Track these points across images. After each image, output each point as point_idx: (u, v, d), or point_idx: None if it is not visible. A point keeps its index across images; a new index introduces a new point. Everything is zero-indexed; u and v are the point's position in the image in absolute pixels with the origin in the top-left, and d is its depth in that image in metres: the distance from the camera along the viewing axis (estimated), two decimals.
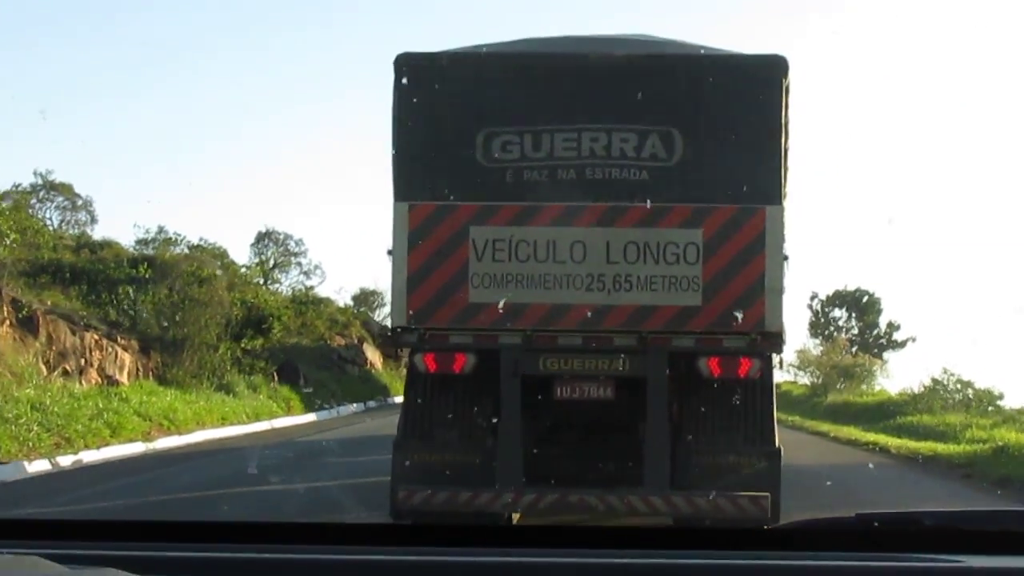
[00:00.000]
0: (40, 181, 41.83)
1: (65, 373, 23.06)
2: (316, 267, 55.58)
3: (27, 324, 22.42)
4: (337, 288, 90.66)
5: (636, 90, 9.84)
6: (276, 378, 33.29)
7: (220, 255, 37.71)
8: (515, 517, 10.00)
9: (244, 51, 78.64)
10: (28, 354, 21.95)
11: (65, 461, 17.21)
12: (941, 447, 22.44)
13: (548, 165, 9.73)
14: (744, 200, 9.70)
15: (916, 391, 35.76)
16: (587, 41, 10.54)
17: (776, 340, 9.91)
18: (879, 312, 68.37)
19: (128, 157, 69.94)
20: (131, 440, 20.40)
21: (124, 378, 25.62)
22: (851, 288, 68.21)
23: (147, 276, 29.55)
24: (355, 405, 37.08)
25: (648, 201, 9.68)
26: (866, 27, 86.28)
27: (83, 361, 24.17)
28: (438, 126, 9.96)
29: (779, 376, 10.68)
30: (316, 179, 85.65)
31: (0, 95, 58.79)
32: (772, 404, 10.11)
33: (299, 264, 55.29)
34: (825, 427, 31.71)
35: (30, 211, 35.39)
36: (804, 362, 50.83)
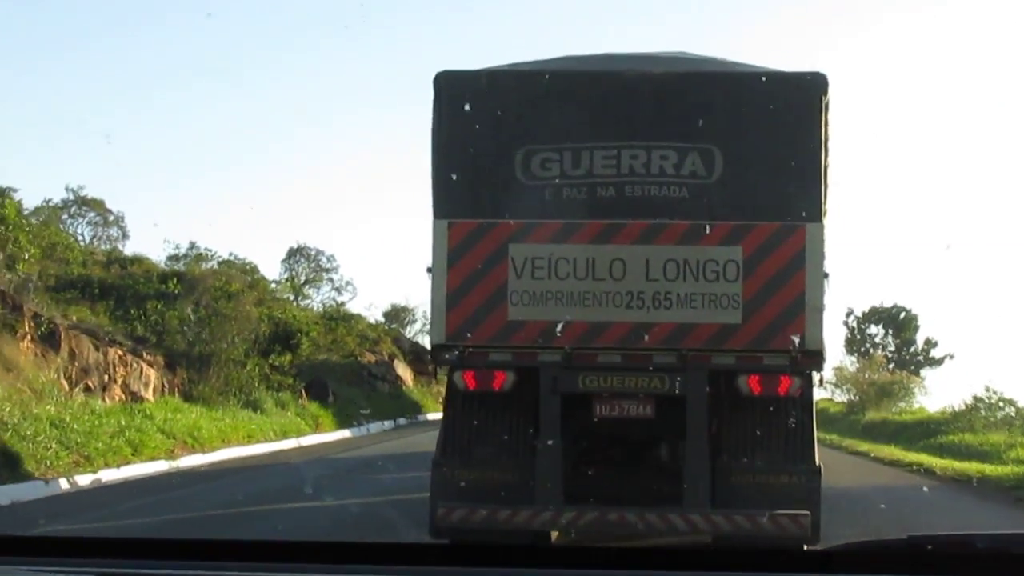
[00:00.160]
0: (72, 196, 42.42)
1: (87, 389, 22.87)
2: (347, 283, 56.21)
3: (49, 339, 22.17)
4: (367, 304, 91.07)
5: (675, 107, 10.01)
6: (304, 395, 33.34)
7: (250, 271, 38.07)
8: (553, 535, 10.16)
9: (276, 69, 79.37)
10: (49, 370, 21.68)
11: (83, 480, 17.13)
12: (988, 468, 22.04)
13: (587, 182, 9.89)
14: (784, 217, 9.83)
15: (957, 409, 35.52)
16: (625, 58, 10.67)
17: (816, 358, 10.02)
18: (916, 329, 68.24)
19: (161, 173, 70.85)
20: (153, 458, 20.34)
21: (149, 394, 25.52)
22: (887, 304, 68.11)
23: (176, 291, 29.79)
24: (387, 423, 37.14)
25: (688, 219, 9.84)
26: (900, 42, 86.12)
27: (106, 377, 23.99)
28: (477, 144, 10.12)
29: (816, 394, 10.76)
30: (349, 195, 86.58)
31: (35, 111, 59.86)
32: (812, 422, 10.18)
33: (330, 280, 55.94)
34: (864, 446, 31.45)
35: (61, 226, 35.85)
36: (841, 379, 50.69)
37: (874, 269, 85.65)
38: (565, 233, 9.96)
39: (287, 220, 79.72)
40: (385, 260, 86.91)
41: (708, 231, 9.85)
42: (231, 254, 39.76)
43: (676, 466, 10.15)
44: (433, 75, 10.14)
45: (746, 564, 3.00)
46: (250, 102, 78.55)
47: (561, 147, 9.93)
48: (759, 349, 9.83)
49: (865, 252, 74.30)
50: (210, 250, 39.71)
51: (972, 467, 22.39)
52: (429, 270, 10.07)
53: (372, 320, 53.01)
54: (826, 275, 10.06)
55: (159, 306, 28.84)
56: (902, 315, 67.98)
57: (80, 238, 39.51)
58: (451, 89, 10.08)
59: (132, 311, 28.36)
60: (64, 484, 16.56)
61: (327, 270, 55.72)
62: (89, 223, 42.99)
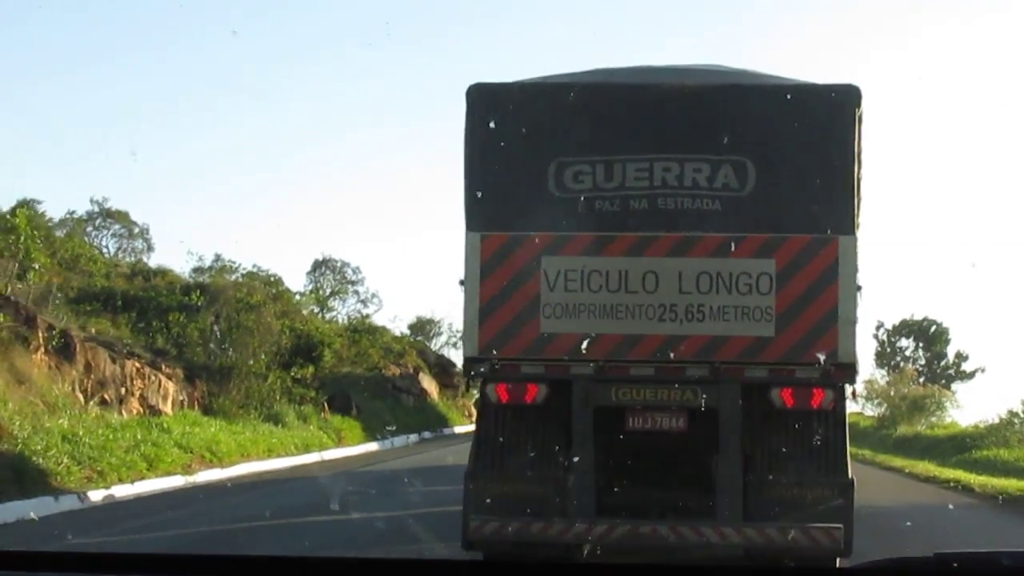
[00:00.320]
0: (96, 208, 42.87)
1: (103, 403, 22.63)
2: (373, 295, 56.48)
3: (64, 352, 22.00)
4: (392, 316, 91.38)
5: (708, 120, 10.18)
6: (327, 408, 33.32)
7: (275, 283, 38.33)
8: (585, 548, 10.32)
9: (303, 85, 79.85)
10: (64, 383, 21.47)
11: (96, 496, 16.90)
12: None
13: (620, 195, 10.07)
14: (817, 230, 9.99)
15: (991, 424, 35.36)
16: (657, 71, 10.84)
17: (849, 371, 10.18)
18: (947, 342, 68.09)
19: (188, 186, 71.32)
20: (169, 473, 20.13)
21: (168, 408, 25.33)
22: (918, 317, 68.01)
23: (199, 304, 29.95)
24: (412, 436, 37.14)
25: (720, 231, 10.00)
26: (935, 56, 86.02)
27: (123, 390, 23.76)
28: (510, 156, 10.30)
29: (848, 407, 10.90)
30: (376, 208, 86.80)
31: (63, 123, 60.51)
32: (845, 435, 10.32)
33: (356, 292, 56.24)
34: (898, 462, 31.25)
35: (85, 238, 36.19)
36: (871, 393, 50.59)
37: (905, 282, 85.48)
38: (598, 246, 10.13)
39: (313, 233, 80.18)
40: (412, 273, 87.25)
41: (741, 244, 10.02)
42: (255, 266, 40.10)
43: (709, 479, 10.27)
44: (465, 88, 10.33)
45: None
46: (277, 117, 79.21)
47: (594, 159, 10.10)
48: (792, 362, 9.99)
49: (896, 265, 74.13)
50: (234, 262, 40.20)
51: (1012, 484, 22.00)
52: (462, 283, 10.25)
53: (397, 332, 53.23)
54: (859, 288, 10.21)
55: (181, 318, 28.97)
56: (933, 328, 67.86)
57: (105, 250, 39.96)
58: (484, 102, 10.28)
59: (154, 323, 28.52)
60: (75, 500, 16.36)
61: (352, 282, 56.13)
62: (114, 235, 43.57)
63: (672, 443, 10.44)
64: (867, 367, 63.86)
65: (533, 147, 10.30)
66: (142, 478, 19.00)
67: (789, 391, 10.11)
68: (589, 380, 10.08)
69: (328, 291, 54.28)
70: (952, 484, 23.76)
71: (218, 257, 40.46)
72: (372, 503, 16.74)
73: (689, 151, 10.10)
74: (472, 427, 12.38)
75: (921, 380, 57.03)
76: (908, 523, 15.73)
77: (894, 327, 68.44)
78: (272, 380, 29.81)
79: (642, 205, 10.07)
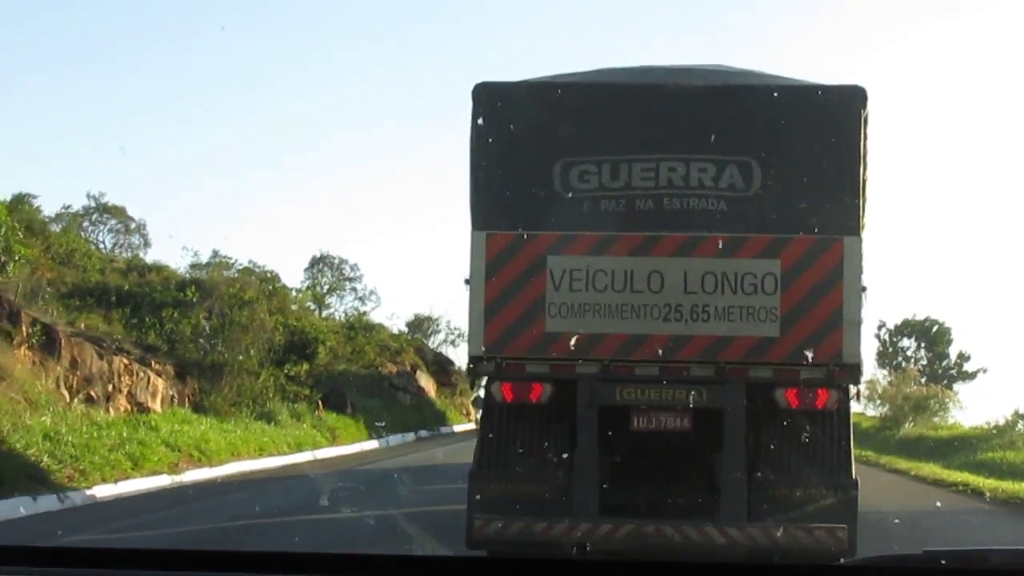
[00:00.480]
0: (93, 203, 43.03)
1: (89, 400, 22.27)
2: (371, 292, 56.69)
3: (48, 347, 21.64)
4: (390, 314, 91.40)
5: (714, 120, 10.35)
6: (321, 406, 33.25)
7: (271, 279, 38.43)
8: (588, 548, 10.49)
9: (301, 80, 79.99)
10: (47, 379, 21.14)
11: (77, 497, 16.60)
12: None
13: (626, 195, 10.24)
14: (822, 231, 10.17)
15: (995, 425, 35.36)
16: (663, 71, 10.99)
17: (854, 371, 10.38)
18: (949, 342, 68.19)
19: (185, 181, 71.59)
20: (155, 473, 19.81)
21: (156, 405, 25.05)
22: (920, 317, 68.16)
23: (194, 300, 29.94)
24: (408, 434, 37.14)
25: (726, 231, 10.18)
26: (938, 55, 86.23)
27: (111, 387, 23.39)
28: (516, 156, 10.49)
29: (852, 407, 11.09)
30: (375, 205, 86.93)
31: (59, 120, 60.54)
32: (850, 435, 10.50)
33: (354, 289, 56.46)
34: (902, 464, 31.13)
35: (81, 233, 36.26)
36: (874, 393, 50.67)
37: (907, 281, 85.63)
38: (603, 245, 10.31)
39: (311, 229, 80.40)
40: (410, 270, 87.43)
41: (746, 244, 10.21)
42: (250, 261, 40.29)
43: (713, 479, 10.47)
44: (464, 87, 10.54)
45: None
46: (278, 113, 79.51)
47: (599, 159, 10.27)
48: (797, 362, 10.17)
49: (897, 264, 74.29)
50: (229, 258, 40.37)
51: (1022, 488, 21.80)
52: (467, 282, 10.40)
53: (394, 330, 53.31)
54: (864, 289, 10.38)
55: (174, 314, 28.94)
56: (935, 328, 67.97)
57: (101, 245, 40.04)
58: (490, 101, 10.45)
59: (147, 319, 28.52)
60: (55, 501, 16.06)
61: (350, 279, 56.34)
62: (110, 230, 43.83)
63: (676, 443, 10.61)
64: (869, 367, 64.10)
65: (539, 146, 10.47)
66: (126, 477, 18.73)
67: (794, 391, 10.29)
68: (594, 380, 10.25)
69: (326, 288, 54.41)
70: (960, 487, 23.54)
71: (215, 253, 40.75)
72: (362, 501, 16.56)
73: (695, 151, 10.26)
74: (470, 425, 12.54)
75: (923, 380, 57.13)
76: (944, 533, 15.67)
77: (896, 327, 68.58)
78: (265, 377, 29.72)
79: (647, 205, 10.24)
